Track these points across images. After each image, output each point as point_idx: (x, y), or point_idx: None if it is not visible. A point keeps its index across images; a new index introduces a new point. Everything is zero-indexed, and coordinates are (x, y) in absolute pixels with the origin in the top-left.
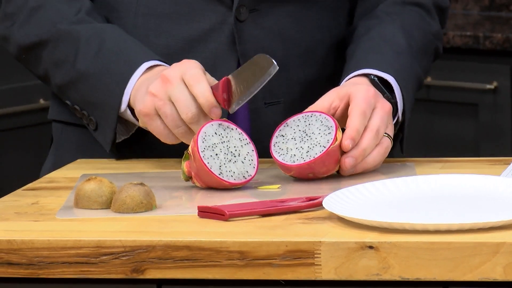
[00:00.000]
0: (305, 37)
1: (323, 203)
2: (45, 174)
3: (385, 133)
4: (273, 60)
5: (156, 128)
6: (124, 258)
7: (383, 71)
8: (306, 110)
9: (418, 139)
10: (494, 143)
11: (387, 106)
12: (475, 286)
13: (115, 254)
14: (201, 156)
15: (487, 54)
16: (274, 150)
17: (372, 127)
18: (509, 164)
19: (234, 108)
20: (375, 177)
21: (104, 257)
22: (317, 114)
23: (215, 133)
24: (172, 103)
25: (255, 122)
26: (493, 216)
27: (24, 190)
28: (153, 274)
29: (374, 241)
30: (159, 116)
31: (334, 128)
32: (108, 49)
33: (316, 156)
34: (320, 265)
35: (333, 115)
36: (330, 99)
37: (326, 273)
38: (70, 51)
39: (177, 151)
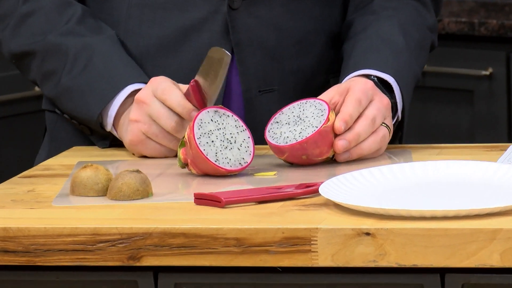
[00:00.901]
0: (299, 27)
1: (319, 190)
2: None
3: (383, 123)
4: (225, 50)
5: (152, 150)
6: (120, 245)
7: (382, 71)
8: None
9: (413, 125)
10: (489, 129)
11: (385, 99)
12: (472, 273)
13: (111, 242)
14: (197, 143)
15: (482, 41)
16: (269, 135)
17: (368, 115)
18: (505, 150)
19: (211, 105)
20: (371, 164)
21: (100, 245)
22: (311, 100)
23: (211, 120)
24: (155, 121)
25: (250, 110)
26: (490, 202)
27: (20, 177)
28: (149, 261)
29: (371, 228)
30: (150, 138)
31: (327, 111)
32: (94, 66)
33: (308, 136)
34: (317, 251)
35: (333, 110)
36: (330, 95)
37: (323, 260)
38: (57, 65)
39: None
